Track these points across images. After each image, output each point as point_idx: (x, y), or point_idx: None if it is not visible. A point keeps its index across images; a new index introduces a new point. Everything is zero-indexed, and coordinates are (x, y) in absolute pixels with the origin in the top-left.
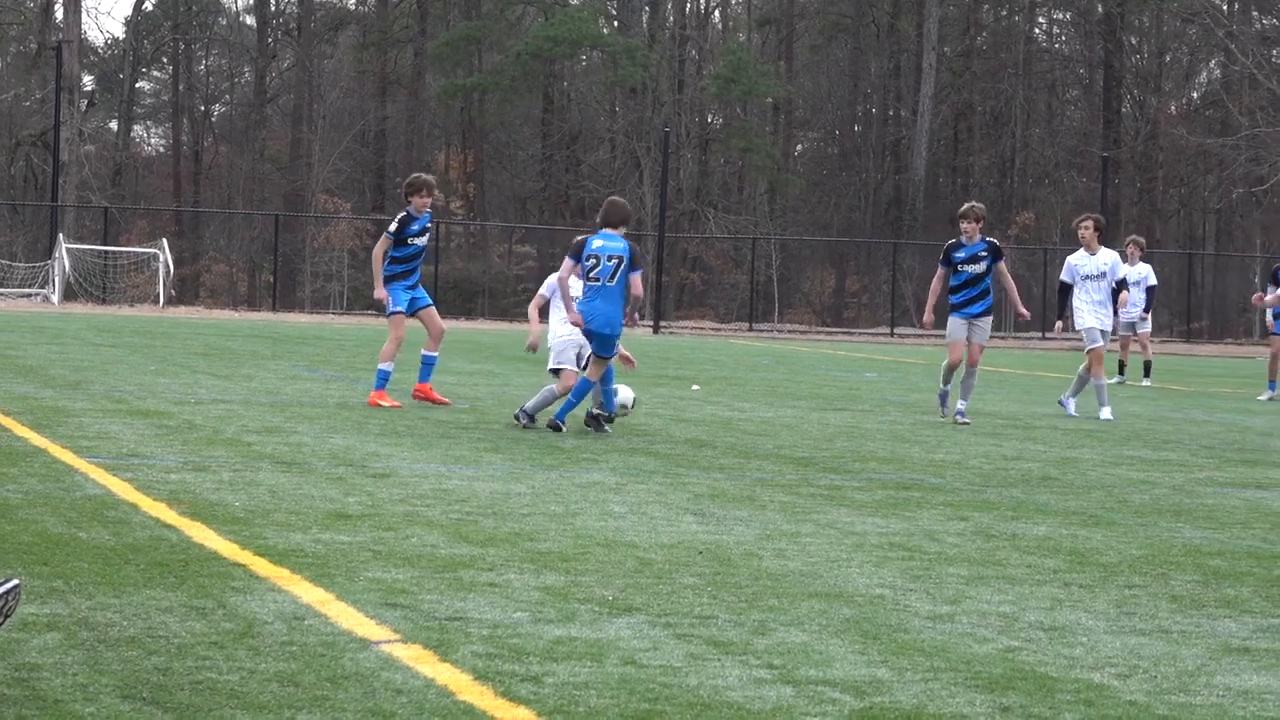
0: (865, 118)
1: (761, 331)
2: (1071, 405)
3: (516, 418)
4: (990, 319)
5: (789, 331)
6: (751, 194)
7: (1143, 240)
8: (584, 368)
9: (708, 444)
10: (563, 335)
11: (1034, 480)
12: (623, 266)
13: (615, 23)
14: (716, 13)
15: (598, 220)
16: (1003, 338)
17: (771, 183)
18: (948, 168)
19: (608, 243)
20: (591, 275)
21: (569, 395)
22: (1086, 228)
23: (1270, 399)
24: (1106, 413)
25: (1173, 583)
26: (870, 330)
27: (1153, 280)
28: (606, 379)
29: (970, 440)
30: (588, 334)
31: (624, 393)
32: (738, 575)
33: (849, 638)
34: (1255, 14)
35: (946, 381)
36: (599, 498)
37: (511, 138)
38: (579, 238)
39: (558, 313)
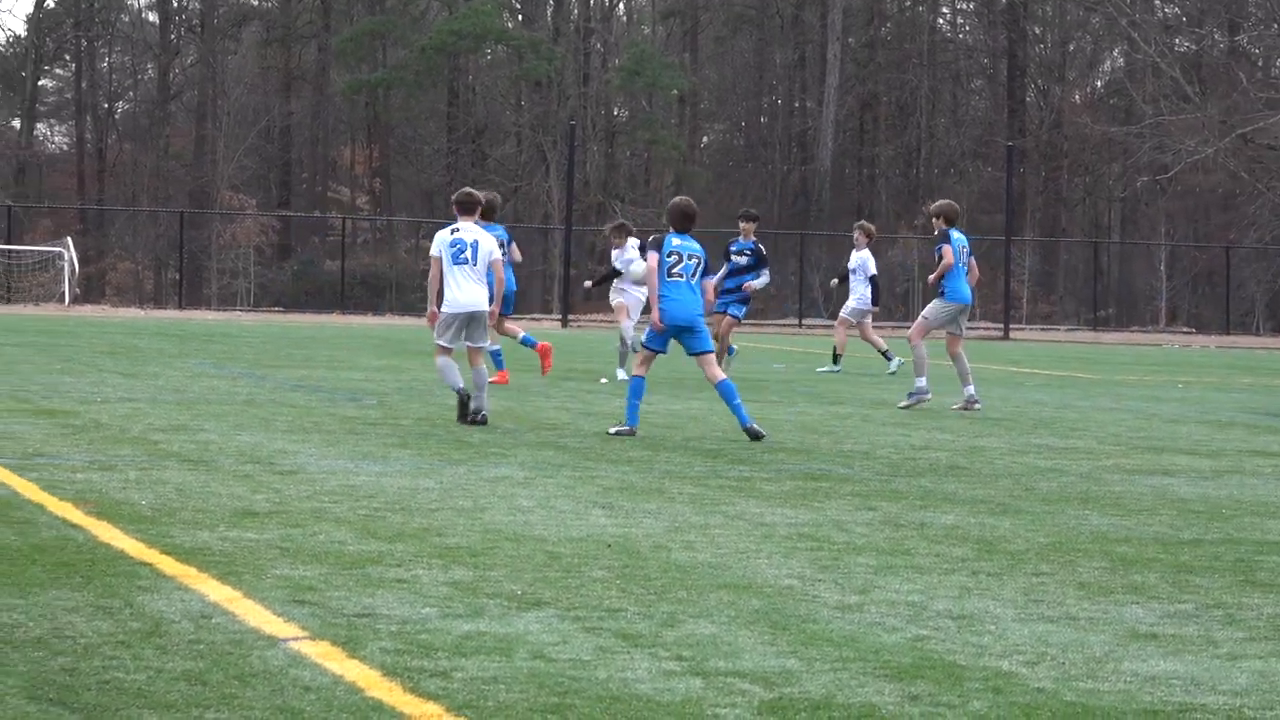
0: (771, 109)
1: None
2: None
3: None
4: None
5: None
6: (658, 186)
7: (870, 226)
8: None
9: (616, 437)
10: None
11: (942, 469)
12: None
13: (520, 16)
14: (621, 6)
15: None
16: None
17: (678, 175)
18: (854, 158)
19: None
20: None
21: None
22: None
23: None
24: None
25: (1080, 570)
26: (778, 321)
27: (873, 269)
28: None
29: (878, 430)
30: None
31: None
32: (646, 568)
33: (758, 629)
34: (1157, 2)
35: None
36: (507, 492)
37: (417, 132)
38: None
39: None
